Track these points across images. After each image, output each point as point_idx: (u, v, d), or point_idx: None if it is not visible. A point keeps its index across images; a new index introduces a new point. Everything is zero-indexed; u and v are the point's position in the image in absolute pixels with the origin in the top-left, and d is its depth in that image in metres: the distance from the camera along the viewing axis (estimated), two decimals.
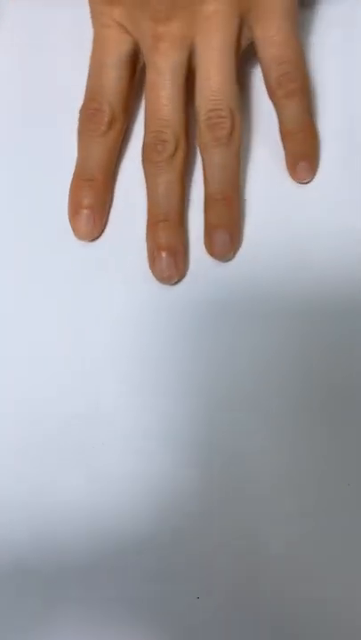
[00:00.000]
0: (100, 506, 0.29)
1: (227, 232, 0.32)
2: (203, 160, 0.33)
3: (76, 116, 0.34)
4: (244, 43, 0.33)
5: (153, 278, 0.33)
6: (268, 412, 0.30)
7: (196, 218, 0.33)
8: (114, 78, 0.33)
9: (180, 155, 0.33)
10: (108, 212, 0.34)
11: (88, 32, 0.35)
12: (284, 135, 0.34)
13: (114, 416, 0.31)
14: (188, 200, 0.34)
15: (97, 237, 0.34)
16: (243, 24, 0.33)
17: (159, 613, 0.28)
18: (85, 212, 0.33)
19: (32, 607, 0.28)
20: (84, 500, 0.30)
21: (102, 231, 0.34)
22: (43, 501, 0.30)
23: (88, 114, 0.34)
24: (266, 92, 0.34)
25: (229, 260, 0.33)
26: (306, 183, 0.34)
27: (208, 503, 0.29)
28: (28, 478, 0.30)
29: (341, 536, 0.29)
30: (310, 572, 0.28)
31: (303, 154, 0.33)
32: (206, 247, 0.33)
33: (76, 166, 0.34)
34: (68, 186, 0.34)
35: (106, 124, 0.33)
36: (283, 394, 0.31)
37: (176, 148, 0.32)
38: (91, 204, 0.33)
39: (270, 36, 0.33)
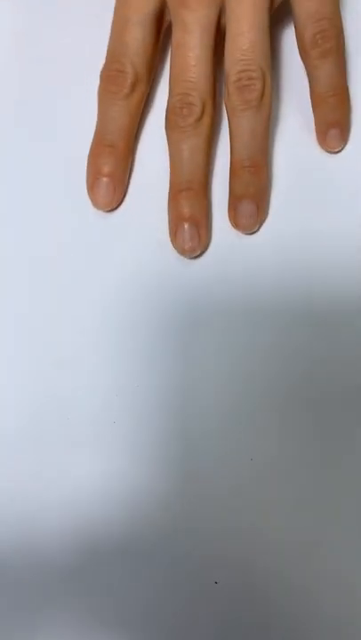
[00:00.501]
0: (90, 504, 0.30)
1: (253, 202, 0.32)
2: (230, 124, 0.32)
3: (96, 77, 0.33)
4: None
5: (174, 251, 0.32)
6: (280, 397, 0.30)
7: (218, 187, 0.33)
8: (138, 37, 0.32)
9: (207, 119, 0.32)
10: (128, 182, 0.33)
11: None
12: (315, 99, 0.33)
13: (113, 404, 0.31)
14: (211, 169, 0.33)
15: (116, 208, 0.33)
16: None
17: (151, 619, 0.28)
18: (105, 180, 0.32)
19: (16, 612, 0.29)
20: (76, 498, 0.30)
21: (121, 201, 0.33)
22: (24, 501, 0.30)
23: (110, 75, 0.32)
24: (296, 55, 0.33)
25: (254, 232, 0.32)
26: (336, 152, 0.33)
27: (200, 505, 0.29)
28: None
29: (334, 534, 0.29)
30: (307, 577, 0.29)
31: (334, 121, 0.32)
32: (230, 218, 0.32)
33: (96, 131, 0.33)
34: (86, 152, 0.33)
35: (129, 86, 0.32)
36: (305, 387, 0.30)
37: (203, 112, 0.31)
38: (111, 171, 0.32)
39: None
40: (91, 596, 0.29)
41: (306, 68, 0.33)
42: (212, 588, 0.28)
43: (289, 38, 0.34)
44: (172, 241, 0.32)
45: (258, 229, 0.32)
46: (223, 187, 0.32)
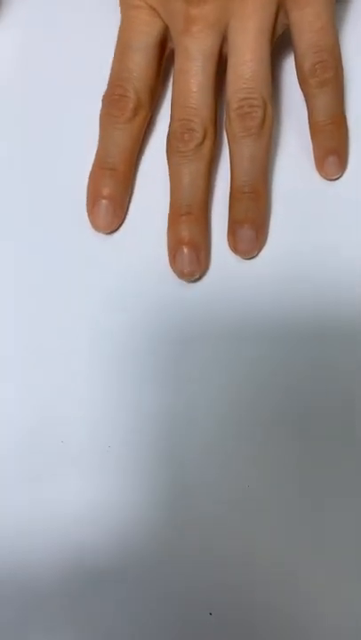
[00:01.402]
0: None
1: (253, 228, 0.32)
2: (230, 151, 0.32)
3: (98, 101, 0.33)
4: (279, 29, 0.33)
5: (172, 275, 0.32)
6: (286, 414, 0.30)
7: (218, 212, 0.33)
8: (141, 63, 0.33)
9: (208, 144, 0.32)
10: (128, 205, 0.33)
11: (114, 13, 0.34)
12: (313, 127, 0.33)
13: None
14: (210, 193, 0.33)
15: (115, 230, 0.33)
16: (279, 9, 0.32)
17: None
18: (105, 202, 0.33)
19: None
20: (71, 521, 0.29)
21: (121, 224, 0.33)
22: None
23: (112, 100, 0.33)
24: (295, 85, 0.33)
25: (253, 257, 0.32)
26: (335, 180, 0.33)
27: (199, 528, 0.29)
28: None
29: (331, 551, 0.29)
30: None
31: (332, 148, 0.33)
32: (230, 243, 0.32)
33: (97, 154, 0.33)
34: (86, 175, 0.33)
35: (131, 110, 0.33)
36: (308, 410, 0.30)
37: (204, 138, 0.32)
38: (111, 194, 0.33)
39: (309, 21, 0.32)
40: (81, 626, 0.28)
41: (304, 96, 0.33)
42: (207, 619, 0.28)
43: (289, 67, 0.34)
44: (170, 264, 0.32)
45: (257, 254, 0.32)
46: (223, 211, 0.33)
